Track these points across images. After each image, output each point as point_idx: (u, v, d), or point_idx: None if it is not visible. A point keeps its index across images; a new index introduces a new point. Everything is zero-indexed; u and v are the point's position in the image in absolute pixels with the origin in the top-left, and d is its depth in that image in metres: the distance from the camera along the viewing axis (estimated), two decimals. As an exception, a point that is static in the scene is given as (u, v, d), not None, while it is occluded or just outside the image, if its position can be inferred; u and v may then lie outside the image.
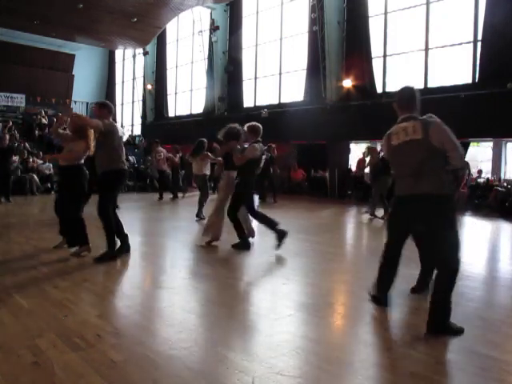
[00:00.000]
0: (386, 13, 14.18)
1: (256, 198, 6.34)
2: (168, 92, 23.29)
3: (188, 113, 21.89)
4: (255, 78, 18.72)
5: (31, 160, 14.07)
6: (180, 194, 13.76)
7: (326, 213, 10.62)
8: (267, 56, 18.21)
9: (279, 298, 3.71)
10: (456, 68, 12.60)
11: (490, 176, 12.08)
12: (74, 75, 25.12)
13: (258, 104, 18.31)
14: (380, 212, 9.03)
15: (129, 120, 27.05)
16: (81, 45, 23.34)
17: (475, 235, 7.84)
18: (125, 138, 23.26)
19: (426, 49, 13.26)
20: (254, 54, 18.62)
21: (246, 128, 5.87)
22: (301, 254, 5.63)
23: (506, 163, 12.06)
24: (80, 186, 5.00)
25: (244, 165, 5.53)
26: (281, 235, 5.58)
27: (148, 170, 16.74)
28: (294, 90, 16.74)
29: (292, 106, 16.22)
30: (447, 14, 12.85)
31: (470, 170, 11.38)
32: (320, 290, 4.02)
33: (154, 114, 23.83)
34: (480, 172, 12.21)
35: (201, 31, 20.09)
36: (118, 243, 5.07)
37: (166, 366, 2.41)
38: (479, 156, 13.19)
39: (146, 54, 23.36)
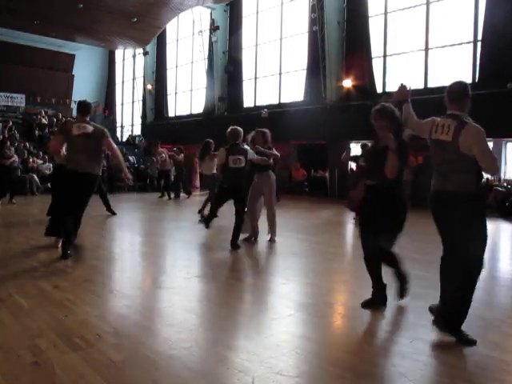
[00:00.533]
0: (386, 13, 14.19)
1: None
2: (168, 92, 23.29)
3: (188, 113, 21.90)
4: (255, 78, 18.72)
5: (31, 160, 14.06)
6: (184, 195, 13.71)
7: (326, 213, 10.62)
8: (267, 56, 18.21)
9: (279, 298, 3.71)
10: (456, 68, 12.60)
11: (489, 176, 12.07)
12: (73, 75, 25.13)
13: (257, 104, 18.31)
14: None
15: (129, 120, 27.06)
16: (81, 45, 23.35)
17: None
18: (125, 139, 23.32)
19: (426, 49, 13.26)
20: (254, 54, 18.62)
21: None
22: (300, 254, 5.63)
23: (506, 163, 12.06)
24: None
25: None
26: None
27: (148, 169, 16.74)
28: (294, 90, 16.75)
29: (292, 106, 16.22)
30: (447, 14, 12.85)
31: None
32: (320, 289, 4.02)
33: (154, 114, 23.83)
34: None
35: (201, 31, 20.10)
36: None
37: (166, 366, 2.41)
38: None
39: (146, 54, 23.37)
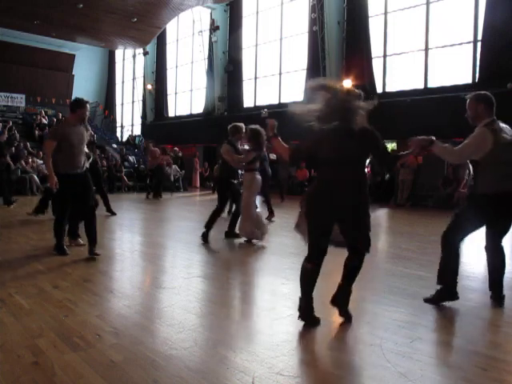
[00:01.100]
0: (385, 13, 14.19)
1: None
2: (168, 92, 23.30)
3: (188, 113, 21.90)
4: (255, 77, 18.72)
5: (31, 160, 14.06)
6: (168, 195, 13.71)
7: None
8: (267, 56, 18.21)
9: (279, 298, 3.71)
10: (456, 68, 12.61)
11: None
12: (73, 75, 25.14)
13: (257, 104, 18.32)
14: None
15: (129, 120, 27.06)
16: (81, 45, 23.35)
17: (475, 235, 7.84)
18: (125, 138, 23.30)
19: (426, 49, 13.26)
20: (254, 53, 18.63)
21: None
22: (300, 254, 5.61)
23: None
24: None
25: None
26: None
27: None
28: (294, 90, 16.75)
29: (292, 106, 16.21)
30: (447, 13, 12.85)
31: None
32: (320, 290, 4.01)
33: (153, 114, 23.83)
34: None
35: (201, 31, 20.10)
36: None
37: (166, 366, 2.41)
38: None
39: (146, 53, 23.38)
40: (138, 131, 24.99)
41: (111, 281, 4.29)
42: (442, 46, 12.97)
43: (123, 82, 27.30)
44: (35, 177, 13.45)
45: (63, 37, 21.42)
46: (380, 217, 8.91)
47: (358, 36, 14.41)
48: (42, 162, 14.32)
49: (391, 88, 14.06)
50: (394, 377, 2.37)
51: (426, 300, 3.51)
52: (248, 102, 18.85)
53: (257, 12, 18.48)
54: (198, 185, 18.21)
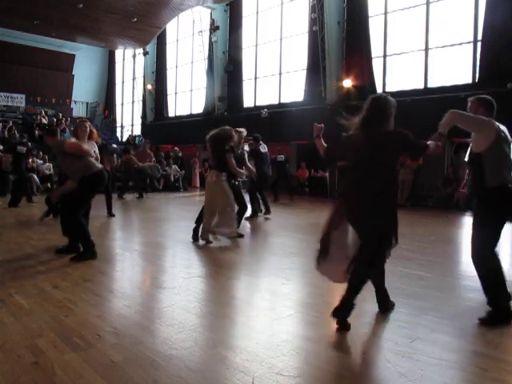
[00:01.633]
0: (385, 13, 14.18)
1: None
2: (168, 92, 23.29)
3: (188, 113, 21.90)
4: (255, 77, 18.72)
5: (31, 160, 14.05)
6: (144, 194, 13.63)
7: (326, 213, 10.64)
8: (267, 56, 18.21)
9: (279, 298, 3.71)
10: (456, 68, 12.60)
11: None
12: (74, 75, 25.12)
13: (257, 104, 18.31)
14: None
15: (129, 120, 27.05)
16: (81, 45, 23.33)
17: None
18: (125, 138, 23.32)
19: (426, 49, 13.26)
20: (254, 54, 18.62)
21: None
22: (300, 254, 5.63)
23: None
24: None
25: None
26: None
27: (148, 170, 16.74)
28: (294, 90, 16.75)
29: (292, 106, 16.21)
30: (447, 13, 12.85)
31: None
32: (320, 289, 4.02)
33: (153, 114, 23.83)
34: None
35: (201, 31, 20.10)
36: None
37: (166, 366, 2.41)
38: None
39: (146, 53, 23.36)
40: (138, 131, 24.97)
41: (111, 281, 4.30)
42: (442, 46, 12.96)
43: (123, 82, 27.29)
44: (35, 177, 13.45)
45: (63, 37, 21.40)
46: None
47: (358, 36, 14.40)
48: (42, 162, 14.33)
49: (391, 88, 14.04)
50: (394, 377, 2.37)
51: (481, 321, 3.18)
52: (248, 101, 18.85)
53: (257, 12, 18.47)
54: (198, 185, 18.21)
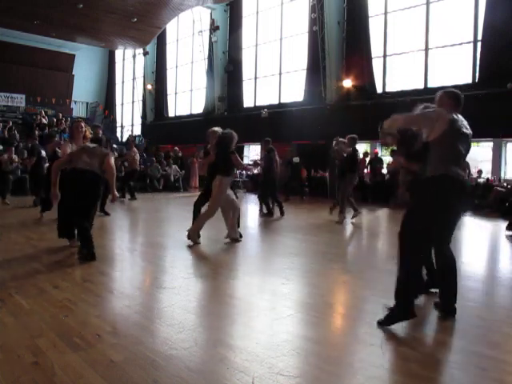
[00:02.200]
0: (385, 13, 14.19)
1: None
2: (168, 92, 23.30)
3: (188, 113, 21.91)
4: (255, 77, 18.73)
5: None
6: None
7: (326, 213, 10.61)
8: (267, 56, 18.21)
9: (279, 298, 3.70)
10: (456, 68, 12.61)
11: (489, 176, 12.08)
12: (73, 75, 25.13)
13: (257, 104, 18.32)
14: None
15: (129, 120, 27.06)
16: (81, 45, 23.35)
17: (475, 235, 7.84)
18: (125, 138, 23.31)
19: (426, 49, 13.27)
20: (254, 54, 18.63)
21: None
22: (300, 254, 5.64)
23: (505, 163, 12.07)
24: None
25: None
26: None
27: (148, 170, 16.76)
28: (294, 90, 16.76)
29: (292, 106, 16.23)
30: (447, 13, 12.86)
31: (469, 170, 11.38)
32: (320, 289, 4.02)
33: (153, 114, 23.84)
34: (480, 172, 12.21)
35: (201, 31, 20.11)
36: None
37: (166, 366, 2.41)
38: (479, 156, 13.20)
39: (146, 54, 23.38)
40: (138, 131, 24.99)
41: (111, 281, 4.29)
42: (442, 46, 12.97)
43: (123, 82, 27.30)
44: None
45: (63, 37, 21.42)
46: (380, 217, 8.90)
47: (358, 36, 14.41)
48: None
49: (391, 88, 14.06)
50: (394, 377, 2.37)
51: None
52: (248, 101, 18.86)
53: (257, 12, 18.48)
54: (197, 185, 18.19)
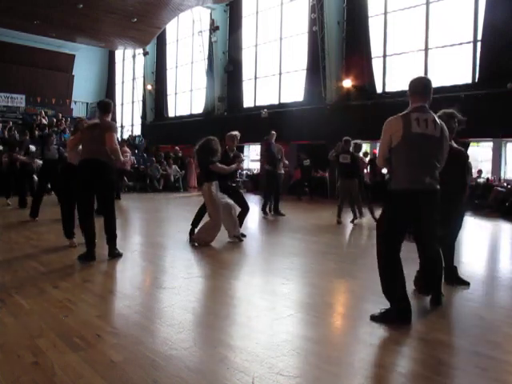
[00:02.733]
0: (385, 13, 14.19)
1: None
2: (168, 92, 23.30)
3: (188, 113, 21.90)
4: (255, 77, 18.72)
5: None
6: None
7: (326, 213, 10.61)
8: (267, 56, 18.21)
9: (279, 298, 3.71)
10: (456, 68, 12.61)
11: (489, 176, 12.08)
12: (73, 75, 25.13)
13: (257, 104, 18.31)
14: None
15: (129, 120, 27.06)
16: (81, 45, 23.35)
17: (475, 235, 7.84)
18: (125, 136, 23.28)
19: (426, 49, 13.26)
20: (254, 54, 18.63)
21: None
22: (300, 254, 5.64)
23: (505, 163, 12.07)
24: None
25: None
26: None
27: (148, 170, 16.76)
28: (294, 90, 16.75)
29: (292, 106, 16.22)
30: (447, 13, 12.85)
31: (471, 174, 11.36)
32: (320, 290, 4.02)
33: (153, 114, 23.83)
34: (480, 172, 12.21)
35: (201, 31, 20.10)
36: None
37: (166, 366, 2.41)
38: (479, 156, 13.20)
39: (145, 54, 23.37)
40: (138, 131, 24.98)
41: (111, 281, 4.30)
42: (442, 46, 12.97)
43: (123, 82, 27.30)
44: (35, 177, 13.43)
45: (63, 37, 21.41)
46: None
47: (358, 36, 14.40)
48: (41, 162, 14.29)
49: (391, 88, 14.05)
50: (394, 377, 2.37)
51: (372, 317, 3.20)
52: (248, 102, 18.85)
53: (257, 12, 18.48)
54: (195, 185, 18.18)
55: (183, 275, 4.38)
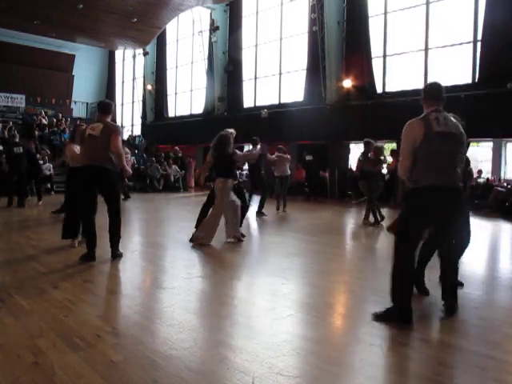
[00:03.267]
0: (385, 13, 14.19)
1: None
2: (168, 92, 23.29)
3: (188, 113, 21.90)
4: (255, 77, 18.72)
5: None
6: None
7: (326, 213, 10.63)
8: (267, 56, 18.21)
9: (279, 298, 3.71)
10: (456, 68, 12.61)
11: (489, 176, 12.08)
12: (73, 75, 25.12)
13: (257, 104, 18.31)
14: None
15: (129, 120, 27.06)
16: (81, 45, 23.34)
17: (475, 235, 7.83)
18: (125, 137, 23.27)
19: (426, 49, 13.26)
20: (254, 54, 18.63)
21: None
22: (300, 254, 5.64)
23: (505, 163, 12.07)
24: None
25: None
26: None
27: (148, 170, 16.77)
28: (294, 90, 16.75)
29: (292, 106, 16.22)
30: (447, 13, 12.85)
31: (471, 173, 11.34)
32: (320, 290, 4.02)
33: (153, 114, 23.83)
34: (480, 172, 12.21)
35: (201, 31, 20.10)
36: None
37: (166, 366, 2.41)
38: (479, 156, 13.19)
39: (145, 54, 23.37)
40: (138, 131, 24.98)
41: (111, 281, 4.30)
42: (442, 46, 12.97)
43: (123, 82, 27.30)
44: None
45: (63, 37, 21.40)
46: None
47: (358, 36, 14.40)
48: (42, 162, 14.31)
49: (391, 88, 14.05)
50: (394, 377, 2.37)
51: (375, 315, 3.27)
52: (248, 102, 18.85)
53: (257, 12, 18.48)
54: (193, 185, 18.17)
55: (183, 275, 4.38)
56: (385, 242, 7.12)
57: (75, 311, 3.23)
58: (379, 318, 3.12)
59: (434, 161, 3.11)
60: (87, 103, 24.99)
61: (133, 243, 6.40)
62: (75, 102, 24.40)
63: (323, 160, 15.09)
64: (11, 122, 17.73)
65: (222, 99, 19.31)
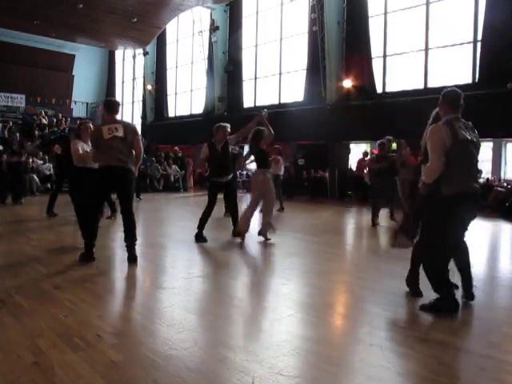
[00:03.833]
0: (385, 13, 14.18)
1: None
2: (168, 92, 23.29)
3: (188, 113, 21.89)
4: (255, 77, 18.72)
5: (31, 160, 14.05)
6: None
7: (326, 213, 10.63)
8: (267, 56, 18.21)
9: (279, 298, 3.71)
10: (456, 68, 12.60)
11: (489, 176, 12.08)
12: (73, 75, 25.12)
13: (257, 104, 18.30)
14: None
15: (129, 120, 27.04)
16: (81, 45, 23.33)
17: (475, 235, 7.84)
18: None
19: (426, 49, 13.26)
20: (254, 54, 18.63)
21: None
22: (300, 254, 5.64)
23: (505, 163, 12.07)
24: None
25: None
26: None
27: (148, 170, 16.76)
28: (294, 90, 16.74)
29: (292, 106, 16.21)
30: (447, 13, 12.85)
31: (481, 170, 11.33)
32: (320, 290, 4.02)
33: (153, 114, 23.82)
34: (480, 172, 12.21)
35: (201, 31, 20.10)
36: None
37: (166, 366, 2.41)
38: (479, 156, 13.18)
39: (145, 54, 23.37)
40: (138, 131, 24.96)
41: (111, 281, 4.30)
42: (442, 46, 12.97)
43: (123, 82, 27.30)
44: (35, 177, 13.45)
45: (63, 37, 21.39)
46: (380, 217, 8.90)
47: (358, 36, 14.40)
48: (41, 162, 14.33)
49: (391, 88, 14.05)
50: (393, 377, 2.37)
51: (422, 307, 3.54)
52: (248, 102, 18.84)
53: (257, 12, 18.47)
54: (192, 185, 18.16)
55: (183, 275, 4.38)
56: (385, 242, 7.11)
57: (75, 311, 3.23)
58: (427, 309, 3.31)
59: (462, 167, 3.24)
60: (87, 103, 24.99)
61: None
62: (75, 102, 24.39)
63: (323, 160, 15.10)
64: (11, 122, 17.73)
65: (222, 99, 19.30)
